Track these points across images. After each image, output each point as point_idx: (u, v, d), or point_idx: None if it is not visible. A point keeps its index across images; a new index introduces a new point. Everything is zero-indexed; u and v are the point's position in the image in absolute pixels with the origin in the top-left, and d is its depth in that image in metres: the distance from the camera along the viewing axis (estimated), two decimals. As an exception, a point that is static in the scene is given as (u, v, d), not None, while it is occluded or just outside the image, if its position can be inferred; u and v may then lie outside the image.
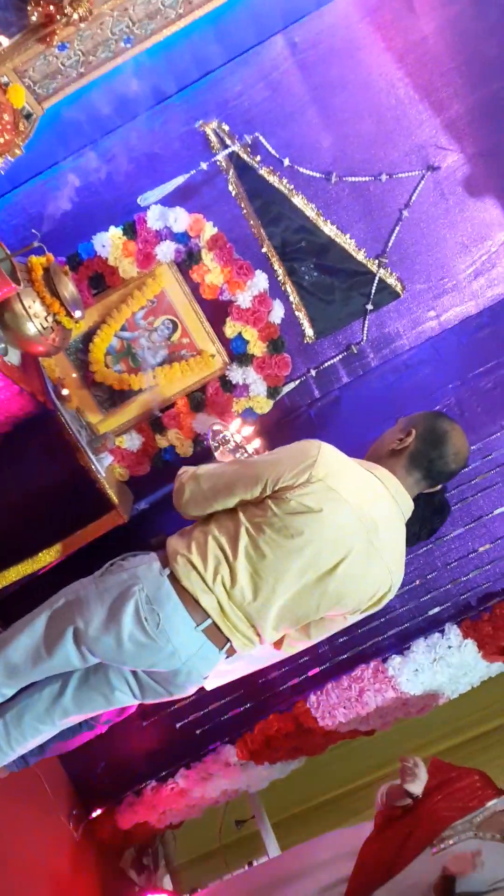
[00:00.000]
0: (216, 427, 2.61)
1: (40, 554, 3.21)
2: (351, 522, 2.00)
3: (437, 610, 3.58)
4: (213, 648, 2.11)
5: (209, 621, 2.08)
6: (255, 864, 3.98)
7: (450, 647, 3.47)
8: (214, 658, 2.14)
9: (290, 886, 3.09)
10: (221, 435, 2.68)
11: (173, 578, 2.09)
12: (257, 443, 2.74)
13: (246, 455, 2.64)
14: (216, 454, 2.59)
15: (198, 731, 3.56)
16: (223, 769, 3.54)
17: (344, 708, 3.51)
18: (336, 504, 1.98)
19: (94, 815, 3.59)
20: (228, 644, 2.13)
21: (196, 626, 2.08)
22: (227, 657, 2.20)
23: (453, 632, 3.48)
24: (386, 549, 2.06)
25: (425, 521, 2.57)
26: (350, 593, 2.07)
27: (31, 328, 2.69)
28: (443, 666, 3.48)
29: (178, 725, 3.57)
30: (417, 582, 3.58)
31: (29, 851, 3.13)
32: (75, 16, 2.68)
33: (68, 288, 2.79)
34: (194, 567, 2.08)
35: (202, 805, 3.66)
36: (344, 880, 2.93)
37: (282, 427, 3.67)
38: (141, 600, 2.06)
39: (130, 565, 2.17)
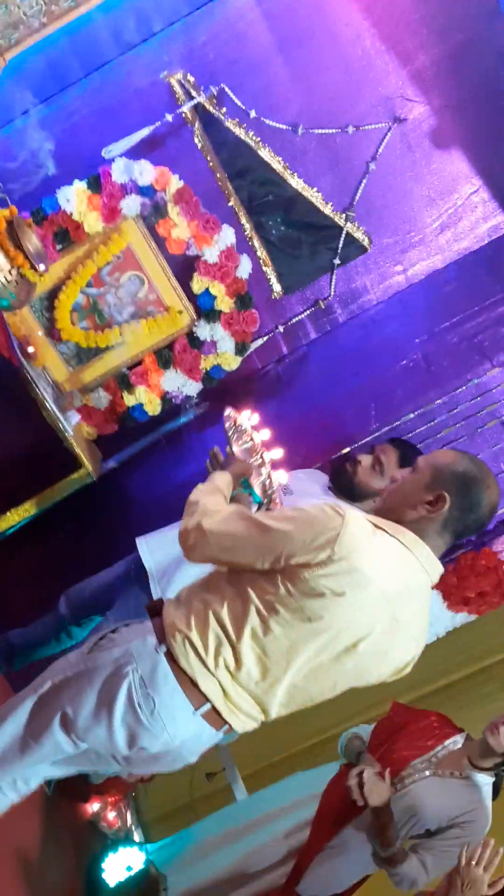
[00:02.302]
0: (229, 412, 2.39)
1: (8, 513, 3.29)
2: (376, 602, 1.76)
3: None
4: (211, 731, 1.91)
5: (209, 706, 1.86)
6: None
7: (416, 596, 3.54)
8: (210, 739, 1.96)
9: (256, 832, 3.22)
10: (237, 425, 2.42)
11: (171, 657, 1.87)
12: (266, 433, 2.47)
13: (259, 461, 2.34)
14: (230, 446, 2.35)
15: None
16: None
17: None
18: (360, 586, 1.74)
19: (66, 770, 3.63)
20: (227, 725, 1.91)
21: (194, 711, 1.86)
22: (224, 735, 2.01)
23: (420, 583, 3.55)
24: (413, 623, 1.85)
25: None
26: (371, 669, 1.88)
27: None
28: (410, 616, 3.55)
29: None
30: None
31: (11, 814, 3.18)
32: None
33: (32, 241, 2.79)
34: (193, 647, 1.85)
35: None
36: (308, 823, 3.08)
37: (250, 383, 3.72)
38: (134, 683, 1.86)
39: (122, 639, 1.96)
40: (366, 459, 3.04)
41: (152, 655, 1.87)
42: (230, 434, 2.36)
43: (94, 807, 3.70)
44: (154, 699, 1.84)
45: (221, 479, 2.14)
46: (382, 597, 1.74)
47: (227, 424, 2.35)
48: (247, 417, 2.41)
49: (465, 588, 3.56)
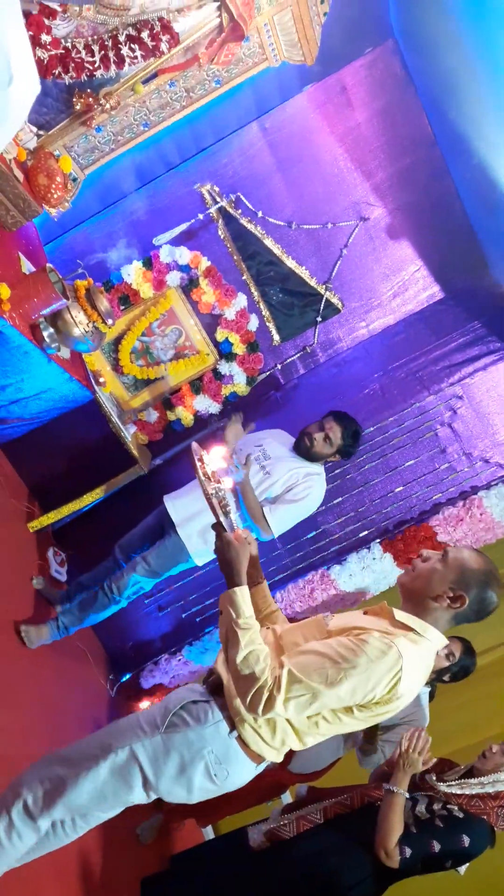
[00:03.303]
0: (195, 448, 1.83)
1: (85, 495, 3.31)
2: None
3: (365, 533, 3.57)
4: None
5: (268, 760, 1.74)
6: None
7: (374, 558, 3.49)
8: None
9: None
10: (206, 473, 1.76)
11: (241, 739, 1.68)
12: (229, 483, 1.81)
13: (227, 510, 1.72)
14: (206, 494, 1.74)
15: (198, 619, 3.58)
16: (216, 646, 3.48)
17: (300, 602, 3.53)
18: (407, 701, 1.58)
19: (124, 678, 3.59)
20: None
21: (257, 766, 1.75)
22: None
23: (376, 548, 3.50)
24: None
25: None
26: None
27: (77, 332, 2.64)
28: (368, 572, 3.50)
29: (183, 615, 3.58)
30: (352, 513, 3.58)
31: (76, 703, 3.15)
32: (108, 106, 2.73)
33: (103, 304, 2.73)
34: (262, 738, 1.67)
35: (200, 671, 3.64)
36: None
37: (258, 405, 3.72)
38: (210, 762, 1.68)
39: (196, 723, 1.69)
40: (319, 435, 2.89)
41: (225, 740, 1.68)
42: (208, 490, 1.72)
43: (144, 704, 3.65)
44: (227, 770, 1.69)
45: (247, 604, 1.63)
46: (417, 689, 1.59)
47: (196, 463, 1.77)
48: (213, 458, 1.81)
49: (409, 552, 3.51)
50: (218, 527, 1.71)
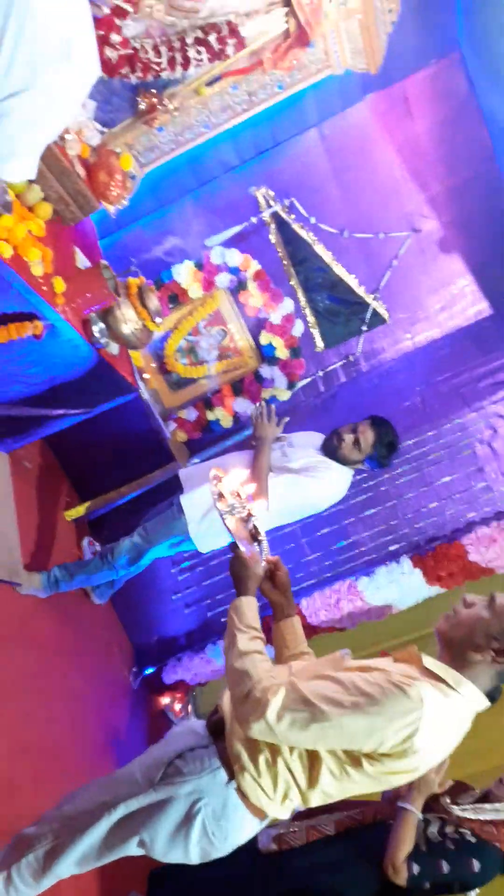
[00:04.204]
0: (215, 473, 1.73)
1: (122, 488, 3.35)
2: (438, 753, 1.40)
3: (395, 547, 3.53)
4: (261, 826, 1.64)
5: (269, 818, 1.60)
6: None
7: (402, 573, 3.44)
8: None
9: None
10: (224, 496, 1.70)
11: (240, 791, 1.52)
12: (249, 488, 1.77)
13: (247, 519, 1.69)
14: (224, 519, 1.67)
15: (223, 619, 3.35)
16: None
17: (325, 610, 3.50)
18: (428, 761, 1.37)
19: (147, 672, 3.59)
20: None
21: (259, 822, 1.60)
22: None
23: (406, 562, 3.44)
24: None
25: None
26: None
27: (126, 329, 2.66)
28: (396, 586, 3.45)
29: (209, 615, 3.59)
30: (383, 526, 3.55)
31: (98, 693, 3.19)
32: (171, 107, 2.74)
33: (153, 302, 2.77)
34: (263, 790, 1.50)
35: (222, 672, 3.40)
36: None
37: (296, 411, 3.69)
38: (207, 816, 1.54)
39: (191, 772, 1.56)
40: (349, 437, 2.70)
41: (222, 791, 1.53)
42: (221, 507, 1.68)
43: (165, 700, 3.70)
44: (226, 828, 1.55)
45: (252, 614, 1.54)
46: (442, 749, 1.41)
47: (213, 488, 1.70)
48: (232, 481, 1.75)
49: (439, 568, 3.49)
50: (234, 546, 1.63)
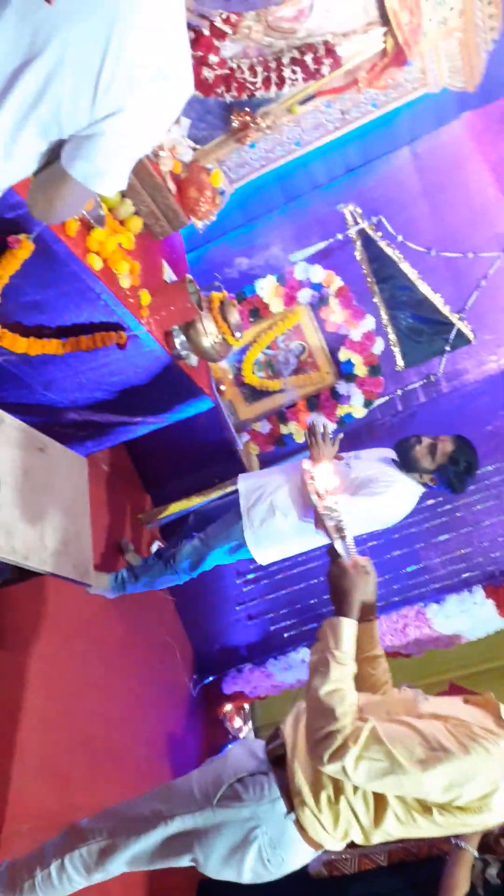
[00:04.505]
0: (308, 466, 1.69)
1: (194, 496, 3.38)
2: None
3: (468, 575, 3.43)
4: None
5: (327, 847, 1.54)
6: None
7: (475, 603, 3.35)
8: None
9: None
10: (326, 506, 1.68)
11: (299, 823, 1.48)
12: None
13: (342, 533, 1.61)
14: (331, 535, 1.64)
15: (286, 635, 3.55)
16: (300, 664, 3.49)
17: (391, 635, 3.44)
18: (500, 819, 1.31)
19: (207, 680, 3.61)
20: None
21: (315, 851, 1.55)
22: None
23: (478, 592, 3.35)
24: None
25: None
26: None
27: (206, 342, 2.66)
28: (467, 616, 3.36)
29: (272, 628, 3.58)
30: (457, 553, 3.46)
31: (158, 697, 3.23)
32: (263, 125, 2.79)
33: (234, 317, 2.78)
34: (322, 826, 1.46)
35: (281, 687, 3.63)
36: None
37: (371, 429, 3.66)
38: (264, 844, 1.51)
39: (250, 799, 1.53)
40: (426, 440, 2.59)
41: (281, 821, 1.50)
42: (318, 504, 1.65)
43: (225, 709, 3.70)
44: (282, 856, 1.53)
45: (352, 641, 1.45)
46: None
47: (308, 480, 1.61)
48: (324, 479, 1.73)
49: None
50: (332, 551, 1.57)
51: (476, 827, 1.33)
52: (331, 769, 1.30)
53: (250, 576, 3.65)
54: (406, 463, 2.60)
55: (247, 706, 3.93)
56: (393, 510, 2.58)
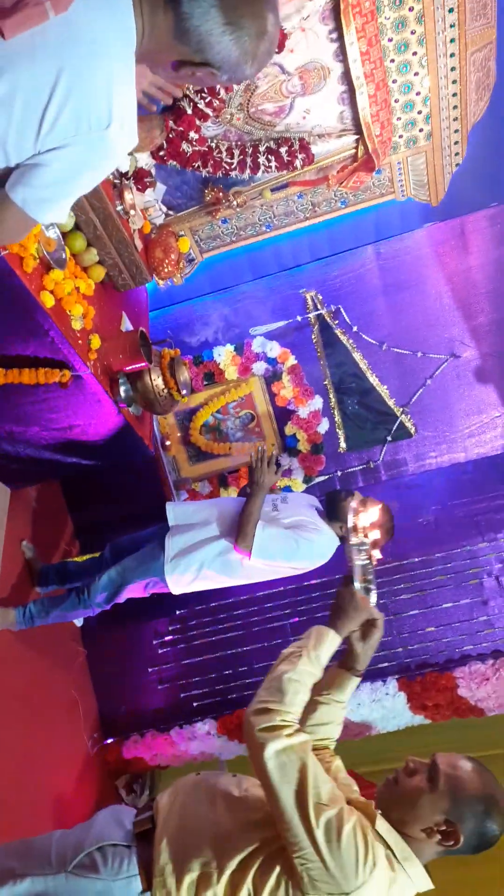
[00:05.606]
0: (356, 504, 1.70)
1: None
2: None
3: (385, 664, 3.40)
4: None
5: None
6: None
7: (387, 693, 3.32)
8: None
9: None
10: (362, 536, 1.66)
11: None
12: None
13: (369, 585, 1.59)
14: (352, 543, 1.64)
15: (195, 704, 3.48)
16: (205, 736, 3.43)
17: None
18: None
19: (108, 741, 3.53)
20: None
21: None
22: None
23: (392, 684, 3.34)
24: None
25: None
26: None
27: (151, 395, 2.67)
28: (378, 706, 3.33)
29: (182, 695, 3.48)
30: None
31: (53, 752, 3.09)
32: (235, 203, 2.89)
33: (184, 375, 2.82)
34: None
35: (184, 758, 3.53)
36: None
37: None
38: None
39: (107, 872, 1.43)
40: (358, 496, 2.50)
41: None
42: (353, 540, 1.63)
43: (121, 778, 3.54)
44: None
45: (329, 653, 1.45)
46: None
47: (352, 517, 1.63)
48: (370, 517, 1.71)
49: (426, 697, 3.36)
50: (348, 578, 1.57)
51: None
52: (256, 737, 1.28)
53: (168, 637, 3.56)
54: (331, 512, 2.60)
55: (144, 777, 3.76)
56: (312, 555, 2.54)
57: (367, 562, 1.62)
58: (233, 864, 1.32)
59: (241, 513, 2.51)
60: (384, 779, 1.42)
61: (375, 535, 1.69)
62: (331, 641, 1.46)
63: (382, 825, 1.31)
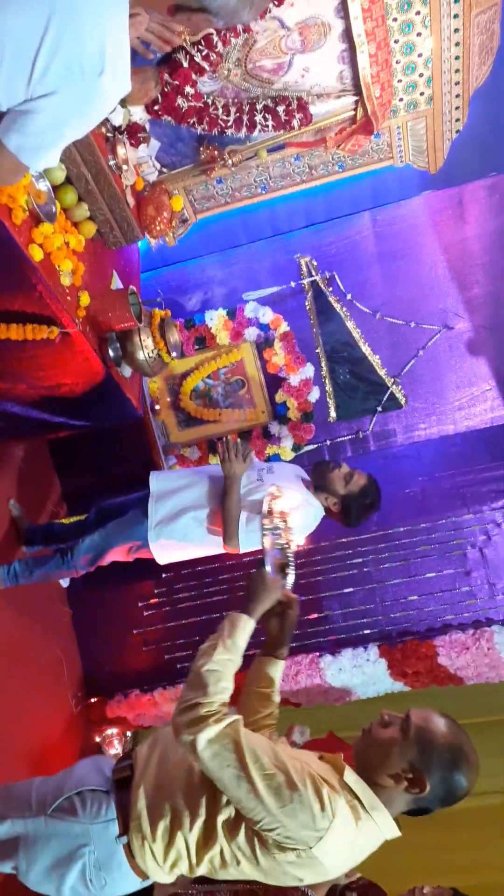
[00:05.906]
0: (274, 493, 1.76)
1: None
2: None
3: (367, 632, 3.45)
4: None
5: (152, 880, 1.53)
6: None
7: (368, 660, 3.35)
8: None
9: None
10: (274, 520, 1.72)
11: (129, 848, 1.45)
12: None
13: (286, 570, 1.63)
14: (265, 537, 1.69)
15: (178, 666, 3.47)
16: None
17: (282, 682, 3.29)
18: (319, 873, 1.30)
19: (92, 700, 3.55)
20: None
21: (141, 881, 1.54)
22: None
23: (373, 650, 3.36)
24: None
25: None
26: None
27: (140, 355, 2.62)
28: (359, 672, 3.36)
29: (166, 657, 3.51)
30: (359, 608, 3.47)
31: (36, 709, 3.12)
32: (230, 162, 2.82)
33: (174, 336, 2.76)
34: (153, 855, 1.43)
35: (167, 718, 3.34)
36: None
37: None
38: (89, 863, 1.48)
39: (85, 815, 1.50)
40: (344, 468, 2.56)
41: (111, 844, 1.48)
42: (266, 524, 1.69)
43: (106, 732, 3.55)
44: (106, 878, 1.50)
45: (244, 639, 1.47)
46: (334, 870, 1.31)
47: (267, 501, 1.68)
48: (286, 503, 1.77)
49: (406, 664, 3.39)
50: (260, 563, 1.61)
51: (297, 879, 1.31)
52: (184, 740, 1.29)
53: (153, 600, 3.58)
54: (319, 482, 2.58)
55: (129, 734, 3.80)
56: (297, 524, 2.41)
57: (284, 545, 1.65)
58: (202, 813, 1.38)
59: (221, 510, 2.47)
60: (364, 728, 1.47)
61: (293, 520, 1.70)
62: (244, 625, 1.48)
63: (350, 776, 1.35)
